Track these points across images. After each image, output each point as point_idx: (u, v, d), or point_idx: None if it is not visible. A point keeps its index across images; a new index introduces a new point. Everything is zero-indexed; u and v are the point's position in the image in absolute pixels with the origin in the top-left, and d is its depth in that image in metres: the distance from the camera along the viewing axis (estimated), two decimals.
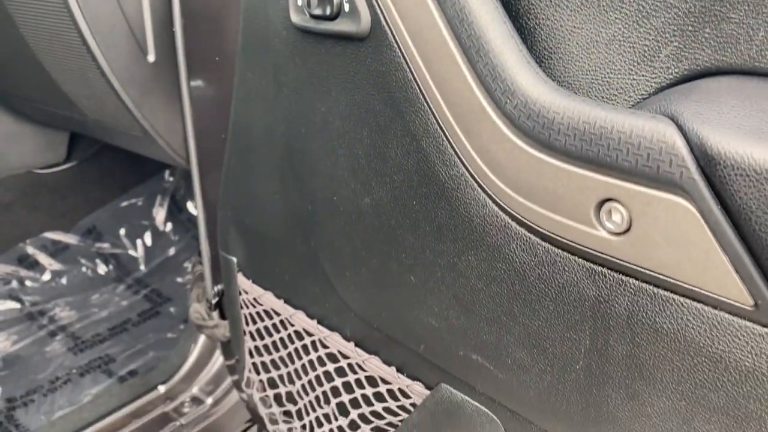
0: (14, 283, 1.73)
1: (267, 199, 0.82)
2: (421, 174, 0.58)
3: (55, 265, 1.79)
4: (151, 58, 1.13)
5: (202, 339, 1.33)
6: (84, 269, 1.82)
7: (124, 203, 1.91)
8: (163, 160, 1.31)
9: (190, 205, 2.01)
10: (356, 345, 0.78)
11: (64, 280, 1.79)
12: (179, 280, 1.85)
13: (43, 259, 1.78)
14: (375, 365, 0.75)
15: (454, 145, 0.54)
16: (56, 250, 1.81)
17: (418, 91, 0.55)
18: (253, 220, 0.87)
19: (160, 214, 1.96)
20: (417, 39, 0.54)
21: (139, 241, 1.91)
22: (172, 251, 1.93)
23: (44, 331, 1.64)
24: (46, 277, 1.77)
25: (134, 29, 1.11)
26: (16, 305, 1.69)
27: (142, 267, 1.88)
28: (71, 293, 1.77)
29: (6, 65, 1.34)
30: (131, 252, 1.90)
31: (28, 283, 1.75)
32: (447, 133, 0.54)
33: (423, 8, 0.53)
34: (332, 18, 0.61)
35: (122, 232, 1.90)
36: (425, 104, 0.55)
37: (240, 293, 0.95)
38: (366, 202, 0.65)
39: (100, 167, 1.85)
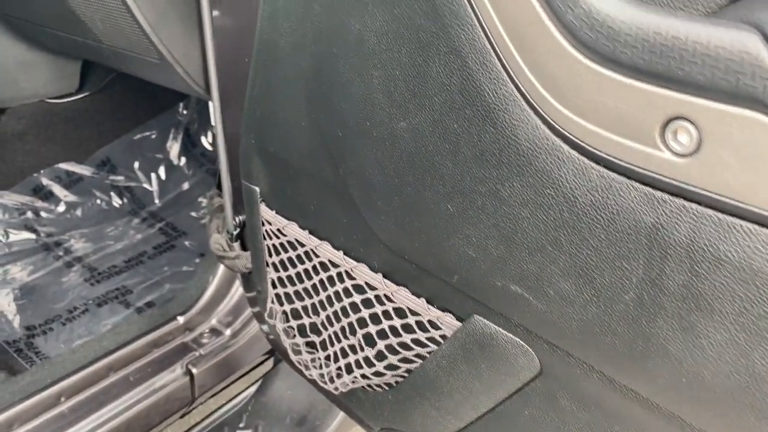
0: (29, 214, 1.72)
1: (293, 125, 0.79)
2: (465, 94, 0.55)
3: (70, 197, 1.78)
4: None
5: (221, 271, 1.32)
6: (98, 201, 1.81)
7: (138, 136, 1.89)
8: (180, 89, 1.28)
9: (203, 140, 1.98)
10: (384, 276, 0.76)
11: (78, 212, 1.78)
12: (194, 214, 1.84)
13: (57, 190, 1.77)
14: (404, 296, 0.74)
15: (504, 60, 0.50)
16: (70, 182, 1.79)
17: (466, 2, 0.52)
18: (277, 147, 0.84)
19: (174, 148, 1.93)
20: None
21: (153, 175, 1.89)
22: (186, 186, 1.91)
23: (60, 261, 1.65)
24: (61, 208, 1.76)
25: None
26: (32, 236, 1.69)
27: (157, 201, 1.87)
28: (86, 225, 1.76)
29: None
30: (145, 185, 1.88)
31: (43, 214, 1.74)
32: (497, 48, 0.51)
33: None
34: None
35: (136, 165, 1.88)
36: (473, 17, 0.52)
37: (263, 224, 0.94)
38: (402, 127, 0.62)
39: (112, 99, 1.82)
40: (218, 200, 1.22)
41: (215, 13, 0.97)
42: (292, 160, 0.83)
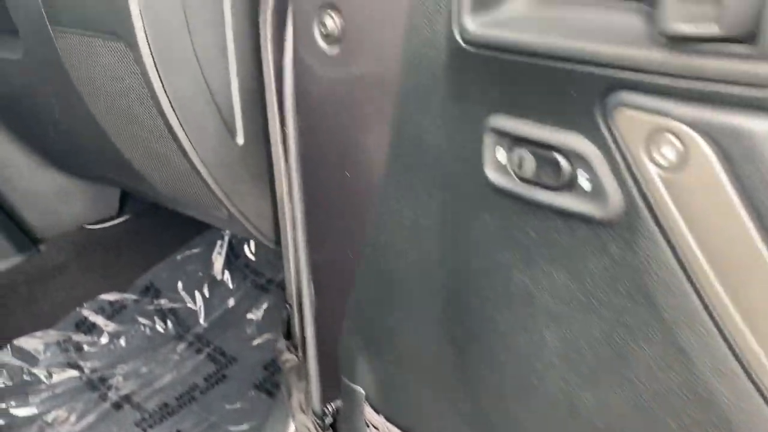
0: (71, 350, 1.63)
1: (417, 341, 0.71)
2: (689, 394, 0.46)
3: (112, 326, 1.69)
4: (240, 140, 1.01)
5: (292, 426, 1.22)
6: (142, 328, 1.72)
7: (180, 256, 1.80)
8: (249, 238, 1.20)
9: (246, 249, 1.90)
10: None
11: (122, 342, 1.69)
12: (241, 335, 1.75)
13: (100, 321, 1.68)
14: None
15: (758, 382, 0.42)
16: (113, 312, 1.70)
17: (700, 305, 0.43)
18: (393, 356, 0.76)
19: (218, 261, 1.85)
20: (708, 245, 0.42)
21: (197, 293, 1.80)
22: (231, 302, 1.82)
23: (108, 402, 1.55)
24: (104, 339, 1.67)
25: (222, 109, 0.99)
26: (76, 373, 1.59)
27: (202, 321, 1.78)
28: (131, 356, 1.66)
29: (72, 141, 1.22)
30: (190, 305, 1.79)
31: (86, 347, 1.65)
32: (747, 367, 0.42)
33: (721, 205, 0.40)
34: (556, 188, 0.49)
35: (180, 285, 1.79)
36: (711, 324, 0.43)
37: (367, 425, 0.84)
38: (587, 398, 0.54)
39: (154, 220, 1.74)
40: (289, 358, 1.12)
41: (306, 185, 0.89)
42: (413, 373, 0.74)
